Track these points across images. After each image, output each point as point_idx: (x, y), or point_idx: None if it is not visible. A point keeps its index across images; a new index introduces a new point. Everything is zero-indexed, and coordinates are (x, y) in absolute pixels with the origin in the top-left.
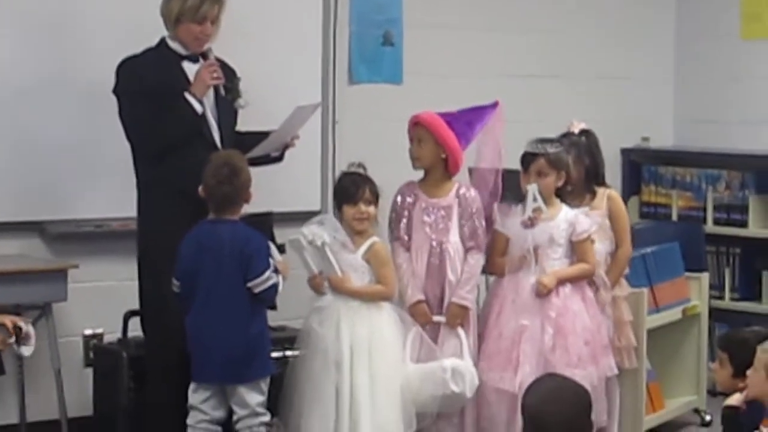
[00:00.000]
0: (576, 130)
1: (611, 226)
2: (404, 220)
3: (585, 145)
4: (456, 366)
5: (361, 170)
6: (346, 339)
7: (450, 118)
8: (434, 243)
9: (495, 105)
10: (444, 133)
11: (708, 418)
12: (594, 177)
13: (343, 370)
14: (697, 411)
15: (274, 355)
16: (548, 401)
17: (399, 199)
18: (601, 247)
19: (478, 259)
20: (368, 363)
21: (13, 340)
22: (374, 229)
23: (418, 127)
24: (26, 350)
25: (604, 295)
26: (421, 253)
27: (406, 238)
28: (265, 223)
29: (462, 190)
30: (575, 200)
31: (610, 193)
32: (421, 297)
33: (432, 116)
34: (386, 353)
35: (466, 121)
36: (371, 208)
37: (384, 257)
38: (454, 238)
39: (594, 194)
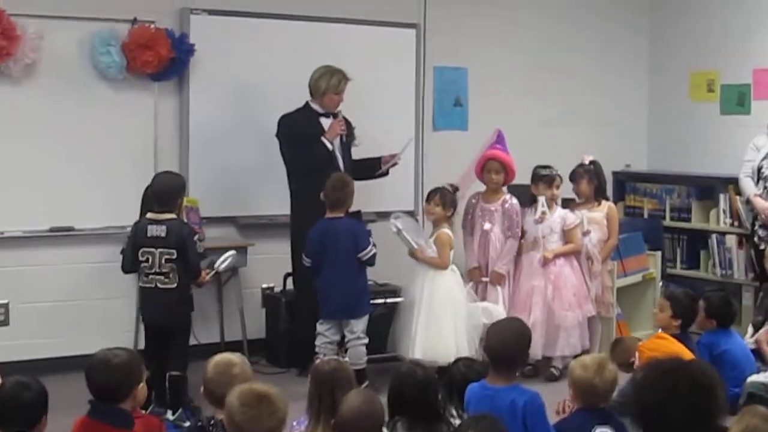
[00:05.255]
0: (587, 161)
1: (607, 224)
2: (469, 216)
3: (594, 170)
4: (486, 306)
5: (448, 188)
6: (426, 289)
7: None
8: (486, 230)
9: (498, 132)
10: (513, 164)
11: None
12: (600, 192)
13: (423, 307)
14: None
15: (379, 301)
16: (496, 333)
17: (468, 202)
18: (595, 236)
19: (512, 244)
20: (440, 302)
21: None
22: (450, 221)
23: (493, 161)
24: None
25: (597, 266)
26: (477, 237)
27: (469, 227)
28: (358, 217)
29: (507, 199)
30: (586, 206)
31: (610, 204)
32: (476, 264)
33: (505, 155)
34: (451, 297)
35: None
36: (437, 209)
37: (442, 241)
38: (496, 229)
39: (600, 203)
